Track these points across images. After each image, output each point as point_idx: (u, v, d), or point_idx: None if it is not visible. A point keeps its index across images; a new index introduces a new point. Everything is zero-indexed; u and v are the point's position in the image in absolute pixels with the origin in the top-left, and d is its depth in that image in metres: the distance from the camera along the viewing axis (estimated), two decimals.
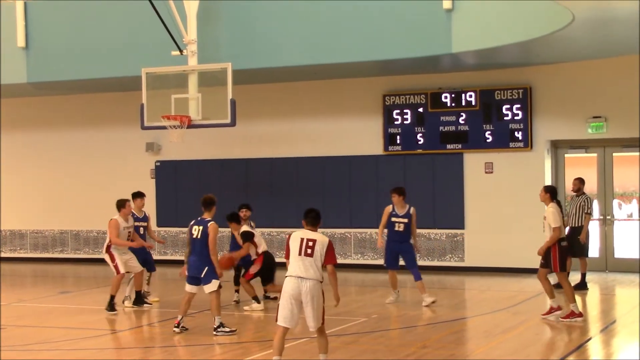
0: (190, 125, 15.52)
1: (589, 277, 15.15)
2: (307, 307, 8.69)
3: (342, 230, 18.43)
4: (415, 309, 13.26)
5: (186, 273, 11.63)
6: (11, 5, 18.27)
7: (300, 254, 8.75)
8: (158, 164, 19.94)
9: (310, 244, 8.76)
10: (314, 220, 8.97)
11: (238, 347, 10.49)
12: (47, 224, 20.92)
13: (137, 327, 12.34)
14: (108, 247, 13.41)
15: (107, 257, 13.39)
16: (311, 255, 8.72)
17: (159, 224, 19.69)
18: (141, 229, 14.10)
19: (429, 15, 15.37)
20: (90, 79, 18.02)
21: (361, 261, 18.25)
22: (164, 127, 15.65)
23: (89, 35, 17.69)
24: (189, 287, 11.60)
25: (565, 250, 11.92)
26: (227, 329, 11.32)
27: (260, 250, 13.47)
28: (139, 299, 13.64)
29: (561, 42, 14.33)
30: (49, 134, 20.93)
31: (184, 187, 19.45)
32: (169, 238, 19.77)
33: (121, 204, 13.56)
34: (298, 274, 8.70)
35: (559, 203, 12.08)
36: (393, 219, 13.52)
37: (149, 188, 19.80)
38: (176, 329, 11.49)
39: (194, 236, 11.53)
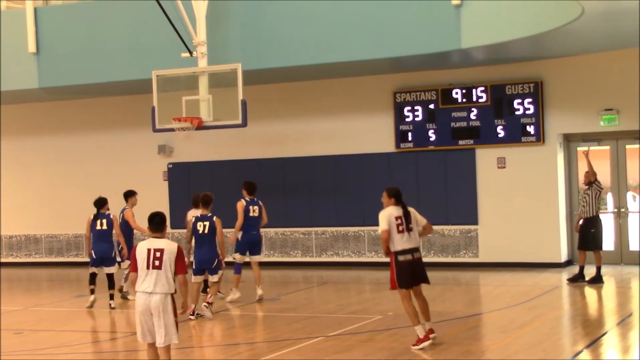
0: (202, 127, 15.55)
1: (604, 270, 15.09)
2: (157, 322, 8.11)
3: (356, 229, 18.43)
4: (430, 306, 13.23)
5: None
6: (22, 12, 18.37)
7: (148, 267, 8.09)
8: (170, 166, 19.99)
9: (158, 254, 8.09)
10: (158, 225, 8.29)
11: (252, 348, 10.51)
12: (62, 228, 21.01)
13: None
14: None
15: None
16: (160, 267, 8.07)
17: (172, 226, 19.68)
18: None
19: (437, 12, 15.35)
20: (101, 82, 18.08)
21: (375, 259, 18.23)
22: (175, 129, 15.68)
23: (99, 39, 17.76)
24: (197, 278, 12.75)
25: (405, 267, 9.97)
26: (196, 315, 12.38)
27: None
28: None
29: (571, 35, 14.28)
30: (61, 139, 21.00)
31: (197, 189, 19.42)
32: (182, 240, 19.78)
33: None
34: (145, 289, 8.10)
35: (404, 206, 10.22)
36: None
37: (162, 190, 19.86)
38: (192, 317, 12.32)
39: (200, 232, 12.57)
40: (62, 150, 21.01)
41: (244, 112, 15.25)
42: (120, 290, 14.69)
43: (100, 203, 14.38)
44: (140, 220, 19.51)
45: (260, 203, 14.20)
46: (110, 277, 14.03)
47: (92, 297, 13.92)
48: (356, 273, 17.54)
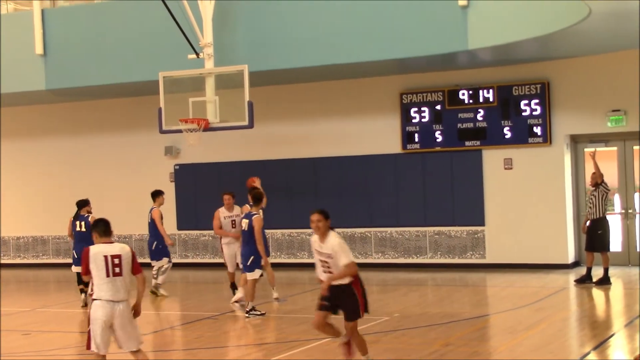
0: (208, 128, 15.57)
1: (612, 271, 15.06)
2: (122, 330, 8.03)
3: (362, 230, 18.43)
4: (437, 307, 13.24)
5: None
6: (29, 14, 18.42)
7: (108, 275, 7.92)
8: (177, 167, 20.02)
9: (117, 261, 7.96)
10: (106, 229, 8.19)
11: (260, 349, 10.51)
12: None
13: (160, 331, 12.40)
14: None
15: None
16: (120, 273, 7.95)
17: (179, 227, 19.77)
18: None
19: (444, 13, 15.34)
20: (108, 84, 18.12)
21: (382, 260, 18.24)
22: (182, 131, 15.71)
23: (106, 41, 17.79)
24: (248, 275, 12.76)
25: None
26: (258, 312, 12.52)
27: None
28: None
29: (578, 35, 14.25)
30: (68, 140, 21.05)
31: (204, 190, 19.52)
32: (189, 241, 19.84)
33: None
34: (109, 298, 7.94)
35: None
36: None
37: (169, 192, 19.86)
38: (240, 308, 12.91)
39: (243, 228, 12.78)
40: (69, 152, 21.05)
41: (250, 113, 15.27)
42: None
43: (81, 204, 14.97)
44: (133, 223, 19.74)
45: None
46: None
47: (83, 296, 14.38)
48: (363, 274, 17.43)
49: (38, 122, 21.35)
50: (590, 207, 14.86)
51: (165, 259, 15.15)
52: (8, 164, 21.60)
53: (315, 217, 8.73)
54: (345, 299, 8.65)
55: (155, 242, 15.23)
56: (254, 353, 10.26)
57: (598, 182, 14.79)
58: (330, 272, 8.61)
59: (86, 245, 14.44)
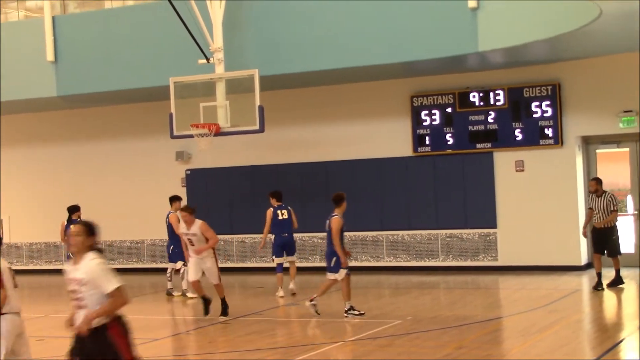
0: (219, 133, 15.62)
1: (625, 273, 14.98)
2: (24, 340, 7.87)
3: (374, 233, 18.41)
4: (450, 310, 13.22)
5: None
6: (40, 21, 18.51)
7: (15, 286, 7.75)
8: (188, 172, 20.06)
9: (12, 273, 7.85)
10: None
11: (273, 353, 10.51)
12: None
13: (174, 335, 12.42)
14: None
15: None
16: (16, 285, 7.83)
17: None
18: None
19: (454, 15, 15.33)
20: (119, 90, 18.19)
21: (394, 263, 18.22)
22: (193, 136, 15.75)
23: (117, 47, 17.87)
24: (329, 275, 12.80)
25: None
26: (357, 312, 12.55)
27: None
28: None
29: (589, 36, 14.21)
30: (79, 147, 21.12)
31: (215, 195, 19.56)
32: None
33: None
34: (19, 309, 7.77)
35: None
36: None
37: (180, 196, 19.91)
38: (308, 302, 12.73)
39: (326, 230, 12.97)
40: (80, 159, 21.13)
41: (261, 117, 15.30)
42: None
43: (72, 210, 15.70)
44: (145, 228, 19.77)
45: (289, 208, 15.30)
46: None
47: None
48: (375, 278, 17.52)
49: (50, 129, 21.43)
50: (598, 213, 14.55)
51: (179, 262, 15.40)
52: (21, 171, 21.69)
53: (74, 229, 6.59)
54: (98, 349, 6.47)
55: (172, 246, 15.55)
56: (264, 358, 10.26)
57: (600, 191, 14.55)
58: (81, 307, 6.52)
59: None
